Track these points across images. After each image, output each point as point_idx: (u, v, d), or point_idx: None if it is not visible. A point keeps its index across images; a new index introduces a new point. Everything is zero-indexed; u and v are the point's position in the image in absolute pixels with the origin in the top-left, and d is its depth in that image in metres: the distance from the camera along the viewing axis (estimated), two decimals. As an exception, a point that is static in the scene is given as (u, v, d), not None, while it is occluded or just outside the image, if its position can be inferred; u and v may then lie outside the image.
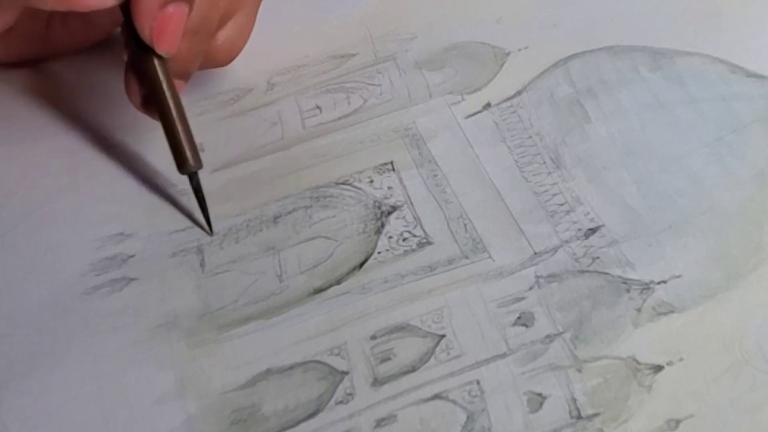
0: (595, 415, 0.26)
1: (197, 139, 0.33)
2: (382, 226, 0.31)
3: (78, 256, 0.30)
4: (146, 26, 0.28)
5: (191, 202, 0.31)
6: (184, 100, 0.30)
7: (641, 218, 0.30)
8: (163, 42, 0.29)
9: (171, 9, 0.28)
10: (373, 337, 0.28)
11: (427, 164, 0.32)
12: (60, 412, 0.27)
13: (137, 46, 0.29)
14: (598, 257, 0.29)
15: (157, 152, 0.33)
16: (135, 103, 0.30)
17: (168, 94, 0.29)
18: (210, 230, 0.31)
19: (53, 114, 0.35)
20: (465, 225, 0.30)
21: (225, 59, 0.33)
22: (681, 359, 0.27)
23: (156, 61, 0.29)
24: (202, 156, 0.33)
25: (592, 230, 0.30)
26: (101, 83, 0.36)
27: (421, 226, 0.31)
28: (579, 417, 0.26)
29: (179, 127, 0.30)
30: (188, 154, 0.30)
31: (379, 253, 0.30)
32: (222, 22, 0.31)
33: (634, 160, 0.32)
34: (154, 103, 0.30)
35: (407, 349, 0.27)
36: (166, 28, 0.28)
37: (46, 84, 0.36)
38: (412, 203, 0.31)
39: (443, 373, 0.27)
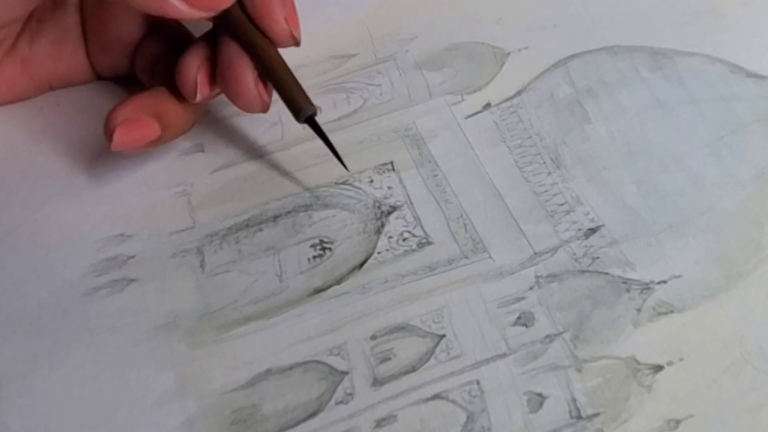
0: (595, 415, 0.26)
1: (198, 140, 0.34)
2: (382, 226, 0.31)
3: (78, 257, 0.30)
4: (281, 17, 0.30)
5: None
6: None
7: (641, 218, 0.30)
8: (297, 28, 0.30)
9: None
10: (373, 337, 0.28)
11: (427, 164, 0.32)
12: (60, 413, 0.27)
13: (251, 36, 0.30)
14: (598, 257, 0.29)
15: (158, 152, 0.33)
16: (248, 83, 0.30)
17: (282, 64, 0.30)
18: (345, 166, 0.31)
19: (54, 115, 0.35)
20: (465, 225, 0.30)
21: None
22: (681, 359, 0.27)
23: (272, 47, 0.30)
24: (203, 156, 0.33)
25: (592, 230, 0.30)
26: (103, 85, 0.36)
27: (421, 226, 0.31)
28: (579, 417, 0.26)
29: (293, 84, 0.30)
30: (303, 101, 0.30)
31: (379, 253, 0.30)
32: None
33: (634, 160, 0.32)
34: (265, 78, 0.31)
35: (407, 349, 0.27)
36: (294, 16, 0.30)
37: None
38: (412, 203, 0.31)
39: (443, 373, 0.27)
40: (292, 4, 0.30)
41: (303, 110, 0.30)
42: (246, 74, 0.30)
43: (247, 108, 0.31)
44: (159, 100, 0.31)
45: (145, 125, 0.30)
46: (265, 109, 0.31)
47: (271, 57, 0.30)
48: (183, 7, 0.28)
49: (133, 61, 0.34)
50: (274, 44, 0.30)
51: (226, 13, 0.29)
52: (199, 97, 0.30)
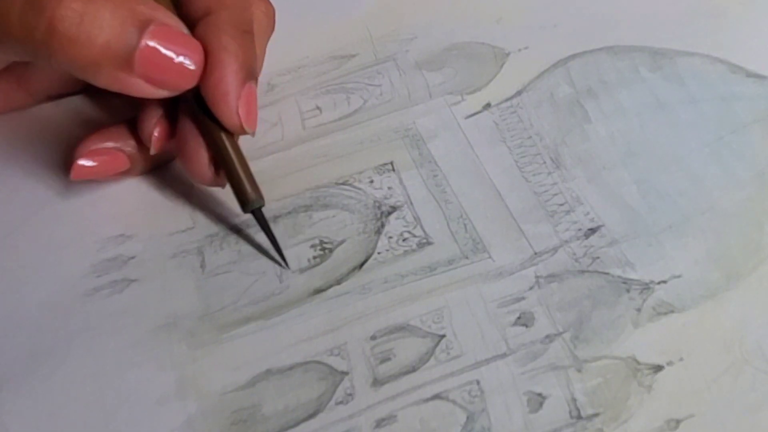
0: (595, 415, 0.26)
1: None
2: (382, 226, 0.31)
3: (79, 258, 0.30)
4: (233, 109, 0.28)
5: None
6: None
7: (641, 218, 0.30)
8: (251, 121, 0.29)
9: (248, 86, 0.29)
10: (373, 338, 0.28)
11: (427, 164, 0.32)
12: (61, 413, 0.27)
13: (203, 121, 0.29)
14: (598, 257, 0.29)
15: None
16: (201, 166, 0.30)
17: (234, 151, 0.30)
18: (285, 263, 0.30)
19: (54, 115, 0.35)
20: (465, 225, 0.30)
21: None
22: (681, 359, 0.27)
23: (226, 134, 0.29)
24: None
25: (592, 230, 0.30)
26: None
27: (421, 226, 0.31)
28: (579, 417, 0.26)
29: (242, 174, 0.29)
30: (250, 193, 0.29)
31: (379, 253, 0.30)
32: None
33: (634, 160, 0.32)
34: (218, 161, 0.30)
35: (407, 349, 0.27)
36: (251, 109, 0.29)
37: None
38: (412, 203, 0.31)
39: (443, 373, 0.27)
40: (250, 93, 0.29)
41: (250, 203, 0.29)
42: (200, 156, 0.30)
43: (202, 184, 0.31)
44: (131, 133, 0.31)
45: (112, 156, 0.31)
46: (220, 185, 0.31)
47: (222, 144, 0.29)
48: (146, 87, 0.27)
49: None
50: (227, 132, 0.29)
51: (185, 93, 0.29)
52: (153, 151, 0.30)
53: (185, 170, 0.31)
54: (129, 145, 0.31)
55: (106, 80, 0.27)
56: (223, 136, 0.29)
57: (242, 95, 0.28)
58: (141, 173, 0.33)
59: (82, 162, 0.30)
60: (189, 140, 0.30)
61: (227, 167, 0.29)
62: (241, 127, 0.29)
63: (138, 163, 0.31)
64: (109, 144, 0.31)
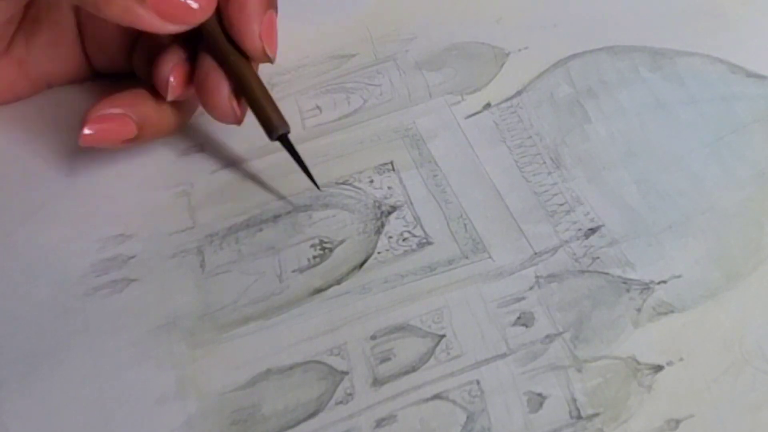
0: (595, 415, 0.26)
1: (198, 140, 0.34)
2: (382, 226, 0.31)
3: (79, 258, 0.30)
4: (256, 35, 0.29)
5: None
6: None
7: (641, 218, 0.30)
8: (273, 47, 0.30)
9: (269, 14, 0.30)
10: (373, 337, 0.28)
11: (427, 164, 0.32)
12: (60, 413, 0.27)
13: (226, 52, 0.30)
14: (598, 257, 0.29)
15: (158, 152, 0.33)
16: (221, 98, 0.30)
17: (255, 80, 0.30)
18: (317, 185, 0.31)
19: (54, 115, 0.35)
20: (465, 225, 0.30)
21: None
22: (681, 359, 0.27)
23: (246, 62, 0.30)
24: (202, 156, 0.33)
25: (592, 230, 0.30)
26: (103, 85, 0.36)
27: (421, 226, 0.31)
28: (579, 417, 0.26)
29: (265, 101, 0.30)
30: (275, 119, 0.30)
31: (379, 253, 0.30)
32: None
33: (634, 160, 0.32)
34: (239, 92, 0.30)
35: (407, 349, 0.27)
36: (272, 35, 0.30)
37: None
38: (412, 203, 0.31)
39: (443, 373, 0.27)
40: (271, 21, 0.30)
41: (275, 129, 0.30)
42: (220, 89, 0.30)
43: (221, 120, 0.31)
44: (139, 99, 0.31)
45: (120, 122, 0.30)
46: (238, 122, 0.31)
47: (244, 74, 0.30)
48: (155, 21, 0.27)
49: (130, 57, 0.34)
50: (249, 60, 0.30)
51: (203, 25, 0.29)
52: (170, 97, 0.30)
53: (205, 107, 0.31)
54: (138, 111, 0.30)
55: (117, 12, 0.27)
56: (245, 64, 0.30)
57: (264, 21, 0.29)
58: (150, 140, 0.32)
59: (88, 130, 0.30)
60: (209, 74, 0.30)
61: (250, 95, 0.30)
62: (264, 52, 0.29)
63: (148, 129, 0.31)
64: (116, 110, 0.30)
